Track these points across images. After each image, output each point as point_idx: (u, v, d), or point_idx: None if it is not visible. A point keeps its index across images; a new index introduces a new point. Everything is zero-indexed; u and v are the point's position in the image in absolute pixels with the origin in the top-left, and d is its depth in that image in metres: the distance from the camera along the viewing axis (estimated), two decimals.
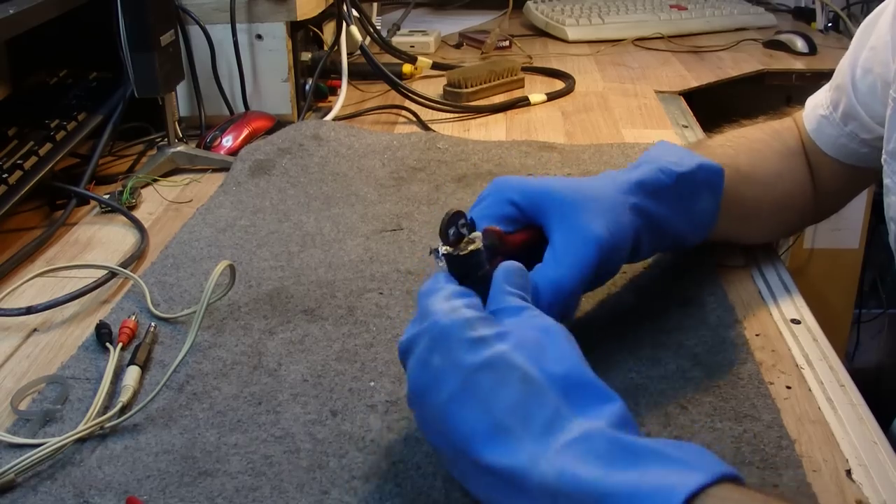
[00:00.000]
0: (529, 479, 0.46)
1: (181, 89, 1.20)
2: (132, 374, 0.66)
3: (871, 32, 0.78)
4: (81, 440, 0.60)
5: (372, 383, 0.66)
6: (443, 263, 0.57)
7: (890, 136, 0.72)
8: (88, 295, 0.79)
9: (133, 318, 0.73)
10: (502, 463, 0.47)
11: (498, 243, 0.61)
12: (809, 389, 0.65)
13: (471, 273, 0.57)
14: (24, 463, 0.57)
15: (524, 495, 0.46)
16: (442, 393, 0.50)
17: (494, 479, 0.47)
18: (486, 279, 0.57)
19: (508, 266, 0.57)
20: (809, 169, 0.83)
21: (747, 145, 0.81)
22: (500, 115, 1.29)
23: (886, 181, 0.73)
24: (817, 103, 0.83)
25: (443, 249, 0.56)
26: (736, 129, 0.85)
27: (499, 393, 0.48)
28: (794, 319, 0.74)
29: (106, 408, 0.63)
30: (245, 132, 1.15)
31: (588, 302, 0.75)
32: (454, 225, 0.56)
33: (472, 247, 0.56)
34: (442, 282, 0.56)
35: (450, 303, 0.53)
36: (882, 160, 0.74)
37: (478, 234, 0.57)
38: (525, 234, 0.64)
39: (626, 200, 0.66)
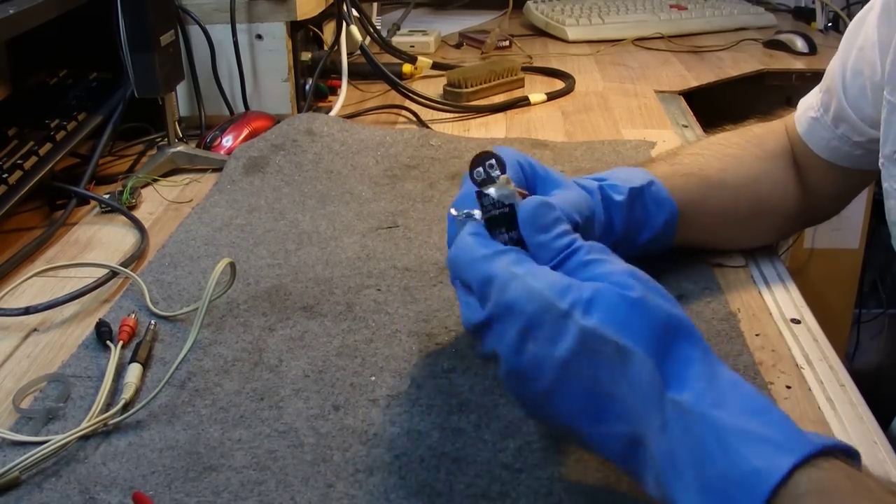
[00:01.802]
0: (658, 435, 0.47)
1: (181, 89, 1.20)
2: (134, 371, 0.66)
3: (859, 33, 0.77)
4: (85, 437, 0.60)
5: (373, 378, 0.66)
6: (477, 213, 0.56)
7: (886, 139, 0.71)
8: (88, 295, 0.79)
9: (133, 316, 0.73)
10: (621, 431, 0.48)
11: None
12: (809, 389, 0.65)
13: (510, 218, 0.55)
14: (28, 460, 0.57)
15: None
16: (542, 382, 0.50)
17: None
18: (515, 218, 0.55)
19: (528, 210, 0.55)
20: (796, 172, 0.83)
21: (721, 151, 0.81)
22: (500, 115, 1.29)
23: (885, 185, 0.73)
24: (809, 105, 0.83)
25: (487, 190, 0.55)
26: (716, 134, 0.85)
27: (598, 367, 0.48)
28: (794, 319, 0.74)
29: (108, 405, 0.63)
30: (245, 132, 1.15)
31: None
32: (482, 165, 0.56)
33: (509, 188, 0.55)
34: (481, 246, 0.54)
35: (523, 280, 0.51)
36: (880, 164, 0.73)
37: (505, 176, 0.56)
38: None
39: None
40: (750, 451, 0.43)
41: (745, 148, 0.82)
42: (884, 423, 0.65)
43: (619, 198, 0.71)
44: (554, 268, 0.53)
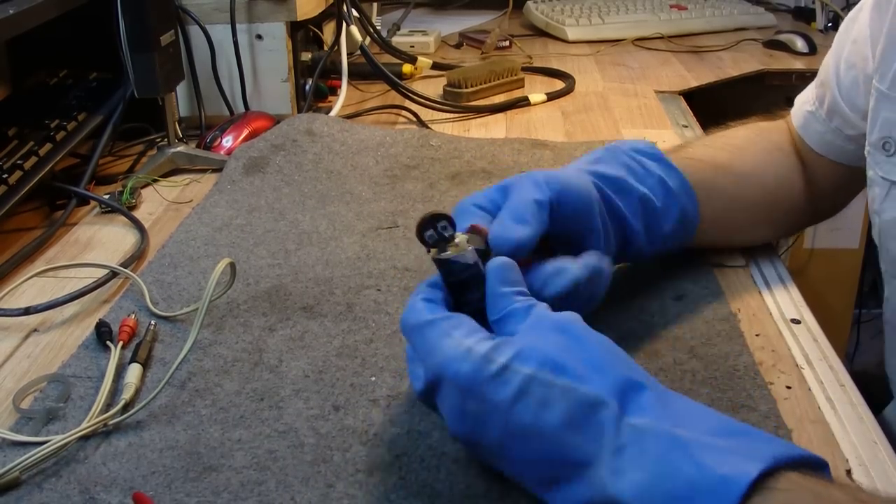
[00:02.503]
0: (603, 484, 0.46)
1: (181, 89, 1.20)
2: (134, 371, 0.66)
3: (853, 27, 0.78)
4: (85, 437, 0.60)
5: (373, 378, 0.66)
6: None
7: (872, 127, 0.72)
8: (88, 295, 0.79)
9: (133, 316, 0.73)
10: (571, 486, 0.48)
11: (484, 246, 0.59)
12: (809, 389, 0.65)
13: (462, 276, 0.55)
14: (28, 461, 0.57)
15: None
16: (491, 437, 0.50)
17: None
18: (479, 278, 0.55)
19: (498, 263, 0.56)
20: (802, 166, 0.83)
21: (728, 143, 0.81)
22: (500, 115, 1.29)
23: (870, 173, 0.74)
24: (804, 100, 0.84)
25: (431, 254, 0.55)
26: (722, 129, 0.85)
27: (542, 418, 0.47)
28: (794, 319, 0.74)
29: (108, 405, 0.63)
30: (245, 132, 1.15)
31: None
32: (432, 227, 0.55)
33: (453, 249, 0.55)
34: (427, 312, 0.53)
35: (457, 342, 0.51)
36: (866, 152, 0.74)
37: (462, 235, 0.56)
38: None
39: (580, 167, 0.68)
40: (716, 460, 0.43)
41: (751, 139, 0.83)
42: (884, 423, 0.65)
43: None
44: (501, 319, 0.53)
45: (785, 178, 0.82)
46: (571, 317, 0.52)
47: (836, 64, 0.79)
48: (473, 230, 0.58)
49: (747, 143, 0.82)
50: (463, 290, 0.56)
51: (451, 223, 0.56)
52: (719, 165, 0.77)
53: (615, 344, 0.51)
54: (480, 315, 0.55)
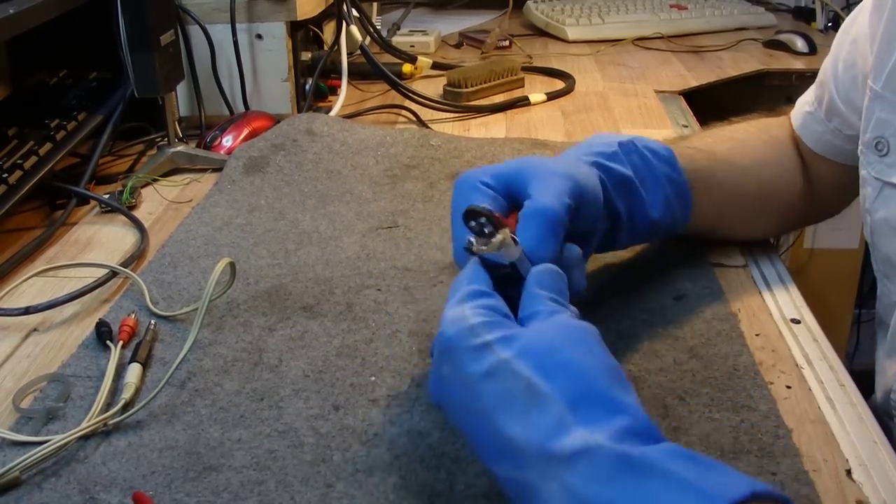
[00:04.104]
0: (538, 493, 0.45)
1: (181, 89, 1.20)
2: (134, 371, 0.66)
3: (852, 28, 0.78)
4: (85, 437, 0.60)
5: (373, 378, 0.66)
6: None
7: (866, 126, 0.72)
8: (88, 295, 0.78)
9: (133, 316, 0.73)
10: (512, 476, 0.47)
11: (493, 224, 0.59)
12: (809, 389, 0.65)
13: (499, 269, 0.56)
14: (28, 460, 0.57)
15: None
16: (454, 405, 0.50)
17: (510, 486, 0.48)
18: (519, 276, 0.56)
19: (541, 269, 0.56)
20: (802, 164, 0.83)
21: (729, 135, 0.82)
22: (500, 115, 1.29)
23: (862, 173, 0.74)
24: (804, 101, 0.84)
25: (470, 243, 0.56)
26: (722, 124, 0.85)
27: (499, 405, 0.47)
28: (794, 319, 0.74)
29: (108, 405, 0.63)
30: (245, 132, 1.15)
31: (586, 299, 0.75)
32: (474, 220, 0.56)
33: (494, 242, 0.56)
34: (464, 280, 0.55)
35: (458, 308, 0.52)
36: (859, 151, 0.74)
37: (505, 230, 0.56)
38: (512, 219, 0.62)
39: (586, 160, 0.67)
40: (672, 499, 0.41)
41: (752, 133, 0.83)
42: (883, 423, 0.65)
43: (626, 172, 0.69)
44: (527, 317, 0.53)
45: (784, 174, 0.82)
46: (589, 327, 0.52)
47: (834, 65, 0.80)
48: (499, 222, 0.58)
49: (748, 137, 0.82)
50: (499, 285, 0.56)
51: (492, 221, 0.56)
52: (719, 157, 0.78)
53: (617, 367, 0.50)
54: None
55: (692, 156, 0.75)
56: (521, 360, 0.48)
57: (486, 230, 0.56)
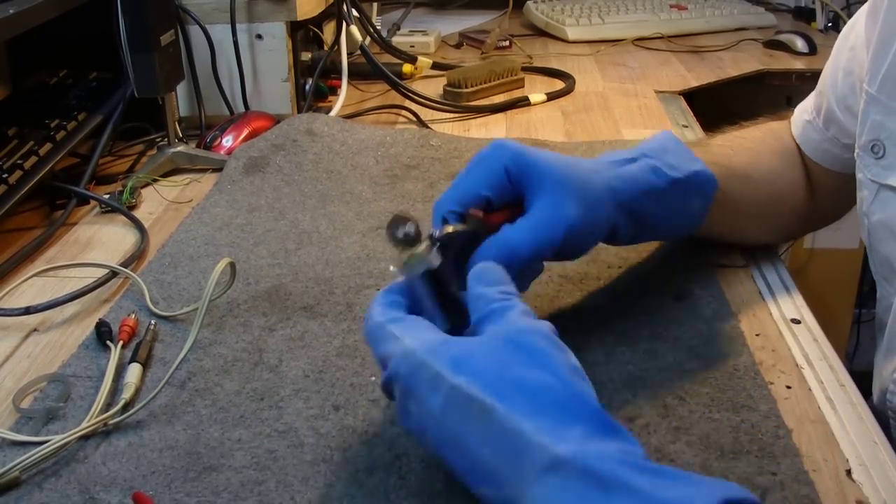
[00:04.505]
0: None
1: (181, 89, 1.20)
2: (134, 371, 0.66)
3: (850, 35, 0.79)
4: (85, 437, 0.60)
5: (373, 378, 0.66)
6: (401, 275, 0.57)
7: (862, 129, 0.73)
8: (88, 295, 0.78)
9: (133, 316, 0.73)
10: (494, 496, 0.47)
11: (481, 228, 0.61)
12: (809, 389, 0.65)
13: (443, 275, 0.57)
14: (28, 460, 0.57)
15: None
16: (426, 436, 0.51)
17: None
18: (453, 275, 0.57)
19: (479, 269, 0.56)
20: (805, 171, 0.83)
21: (745, 145, 0.82)
22: (500, 115, 1.29)
23: (859, 175, 0.74)
24: (804, 109, 0.84)
25: (405, 257, 0.56)
26: (736, 129, 0.85)
27: (464, 431, 0.48)
28: (794, 319, 0.74)
29: (108, 405, 0.63)
30: (245, 132, 1.15)
31: (584, 297, 0.76)
32: (400, 229, 0.56)
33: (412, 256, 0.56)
34: (385, 312, 0.54)
35: (399, 344, 0.52)
36: (855, 154, 0.74)
37: (425, 240, 0.57)
38: (504, 214, 0.63)
39: (613, 195, 0.66)
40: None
41: (765, 143, 0.83)
42: (883, 423, 0.65)
43: (659, 185, 0.69)
44: (479, 321, 0.53)
45: (793, 184, 0.83)
46: (538, 330, 0.51)
47: (833, 73, 0.80)
48: (471, 216, 0.60)
49: (761, 147, 0.82)
50: (439, 286, 0.57)
51: (415, 225, 0.56)
52: (737, 171, 0.78)
53: (575, 365, 0.50)
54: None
55: (710, 165, 0.75)
56: (473, 384, 0.48)
57: (410, 237, 0.57)
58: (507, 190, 0.63)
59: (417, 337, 0.52)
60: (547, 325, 0.52)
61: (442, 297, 0.57)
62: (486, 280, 0.55)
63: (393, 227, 0.56)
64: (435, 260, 0.56)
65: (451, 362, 0.49)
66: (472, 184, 0.63)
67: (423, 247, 0.56)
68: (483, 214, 0.61)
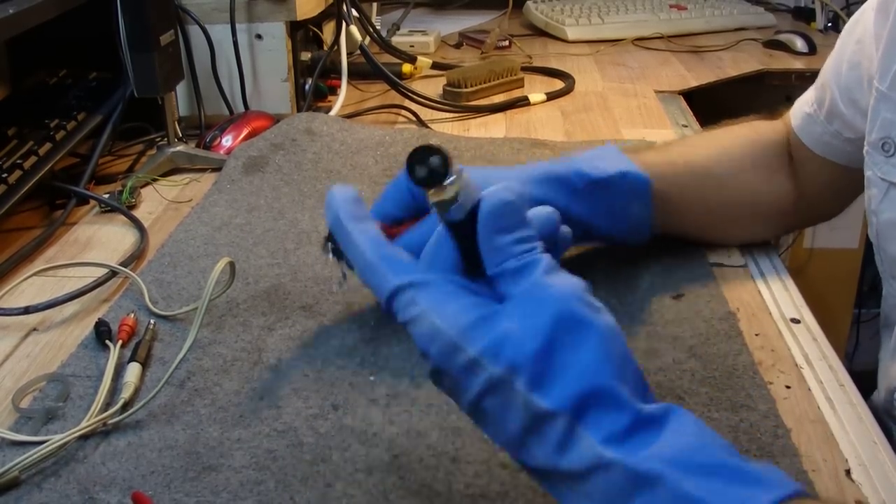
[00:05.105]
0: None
1: (181, 89, 1.20)
2: (133, 370, 0.66)
3: (856, 28, 0.78)
4: (84, 437, 0.60)
5: (372, 378, 0.66)
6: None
7: (872, 127, 0.72)
8: (88, 294, 0.78)
9: (132, 315, 0.73)
10: (539, 481, 0.46)
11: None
12: (809, 389, 0.65)
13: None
14: (28, 460, 0.57)
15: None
16: (463, 408, 0.46)
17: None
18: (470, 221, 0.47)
19: (489, 211, 0.46)
20: (791, 168, 0.83)
21: (712, 141, 0.82)
22: (499, 115, 1.29)
23: (868, 173, 0.74)
24: (804, 101, 0.84)
25: (431, 197, 0.46)
26: (713, 128, 0.86)
27: (506, 419, 0.44)
28: (794, 319, 0.74)
29: (108, 405, 0.63)
30: (245, 132, 1.15)
31: None
32: (425, 164, 0.45)
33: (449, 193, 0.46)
34: (402, 272, 0.47)
35: (431, 319, 0.45)
36: (864, 152, 0.74)
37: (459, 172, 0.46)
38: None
39: (525, 189, 0.63)
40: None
41: (738, 138, 0.83)
42: (883, 423, 0.65)
43: (579, 185, 0.71)
44: (497, 276, 0.46)
45: (771, 178, 0.82)
46: (575, 292, 0.46)
47: (837, 66, 0.80)
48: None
49: (733, 143, 0.82)
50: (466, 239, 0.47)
51: (445, 161, 0.45)
52: (694, 168, 0.78)
53: (619, 335, 0.46)
54: None
55: (664, 172, 0.76)
56: (515, 374, 0.43)
57: (435, 174, 0.45)
58: (412, 210, 0.67)
59: (445, 311, 0.45)
60: (580, 285, 0.46)
61: (464, 245, 0.48)
62: (500, 225, 0.46)
63: (416, 161, 0.45)
64: (456, 214, 0.46)
65: (486, 348, 0.44)
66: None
67: (445, 194, 0.46)
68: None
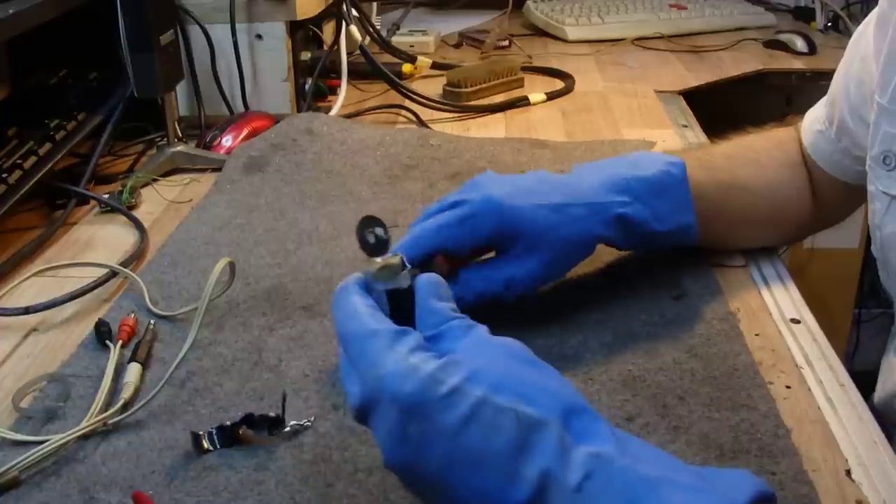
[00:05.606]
0: None
1: (181, 89, 1.20)
2: (133, 371, 0.66)
3: (861, 42, 0.78)
4: (85, 437, 0.60)
5: None
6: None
7: (873, 141, 0.72)
8: (88, 294, 0.78)
9: (132, 316, 0.73)
10: None
11: (446, 273, 0.65)
12: (809, 389, 0.65)
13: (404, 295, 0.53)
14: (28, 460, 0.57)
15: None
16: (431, 463, 0.45)
17: None
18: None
19: (429, 280, 0.52)
20: (810, 180, 0.83)
21: (748, 156, 0.82)
22: (499, 115, 1.29)
23: (871, 188, 0.73)
24: (814, 118, 0.84)
25: (380, 283, 0.52)
26: (741, 137, 0.86)
27: (494, 441, 0.44)
28: (794, 319, 0.74)
29: (108, 405, 0.63)
30: (245, 132, 1.14)
31: (584, 297, 0.76)
32: (371, 231, 0.54)
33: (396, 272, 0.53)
34: (372, 321, 0.49)
35: (403, 358, 0.46)
36: (867, 166, 0.74)
37: (398, 254, 0.53)
38: (464, 262, 0.69)
39: (593, 239, 0.72)
40: (683, 499, 0.41)
41: (770, 153, 0.83)
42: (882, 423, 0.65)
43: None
44: (438, 335, 0.49)
45: (795, 194, 0.83)
46: (517, 343, 0.49)
47: (845, 83, 0.79)
48: (438, 264, 0.65)
49: (765, 158, 0.83)
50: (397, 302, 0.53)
51: (385, 229, 0.54)
52: (737, 182, 0.79)
53: (562, 376, 0.49)
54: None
55: (711, 186, 0.77)
56: (497, 393, 0.44)
57: (384, 238, 0.54)
58: (483, 245, 0.70)
59: (420, 353, 0.47)
60: (520, 342, 0.50)
61: (396, 312, 0.52)
62: (437, 294, 0.52)
63: (363, 230, 0.54)
64: (404, 282, 0.53)
65: (467, 377, 0.45)
66: (454, 239, 0.68)
67: (396, 261, 0.53)
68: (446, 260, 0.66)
